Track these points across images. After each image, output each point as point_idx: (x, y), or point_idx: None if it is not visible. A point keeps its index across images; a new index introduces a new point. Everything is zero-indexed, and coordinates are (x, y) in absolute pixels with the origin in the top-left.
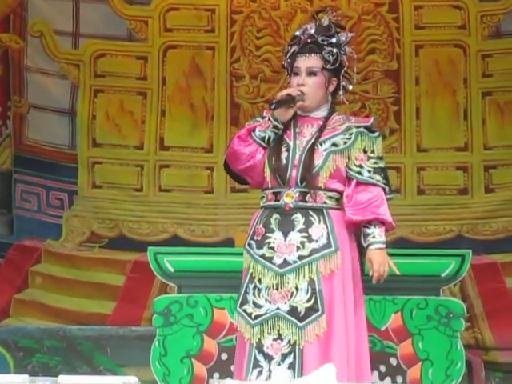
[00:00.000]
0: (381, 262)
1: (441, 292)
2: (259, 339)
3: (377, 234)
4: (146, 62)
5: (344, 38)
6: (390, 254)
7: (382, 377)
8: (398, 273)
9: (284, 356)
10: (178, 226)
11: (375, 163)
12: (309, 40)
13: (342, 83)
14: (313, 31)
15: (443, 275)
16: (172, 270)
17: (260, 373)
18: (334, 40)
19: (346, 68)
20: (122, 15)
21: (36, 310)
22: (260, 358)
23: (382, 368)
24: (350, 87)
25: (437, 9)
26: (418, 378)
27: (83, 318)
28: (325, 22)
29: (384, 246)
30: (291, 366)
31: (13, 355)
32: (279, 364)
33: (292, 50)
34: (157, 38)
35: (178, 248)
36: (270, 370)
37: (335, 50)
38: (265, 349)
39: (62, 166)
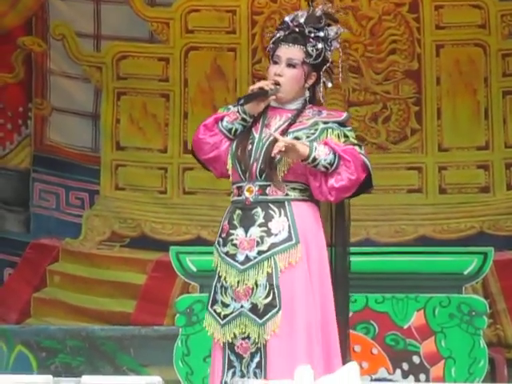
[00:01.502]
0: (288, 141)
1: (463, 289)
2: (231, 339)
3: (317, 144)
4: (168, 64)
5: (333, 33)
6: (413, 253)
7: (404, 375)
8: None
9: (252, 355)
10: (202, 227)
11: (346, 142)
12: (296, 29)
13: (322, 79)
14: (302, 20)
15: (465, 273)
16: (195, 269)
17: (234, 373)
18: (321, 34)
19: (328, 64)
20: (143, 17)
21: (57, 309)
22: (232, 358)
23: (405, 366)
24: (330, 85)
25: (457, 8)
26: (441, 376)
27: (105, 316)
28: (317, 11)
29: (309, 150)
30: (258, 366)
31: (36, 355)
32: (249, 363)
33: (277, 36)
34: (178, 39)
35: (201, 247)
36: (241, 371)
37: (320, 45)
38: (236, 348)
39: (83, 166)
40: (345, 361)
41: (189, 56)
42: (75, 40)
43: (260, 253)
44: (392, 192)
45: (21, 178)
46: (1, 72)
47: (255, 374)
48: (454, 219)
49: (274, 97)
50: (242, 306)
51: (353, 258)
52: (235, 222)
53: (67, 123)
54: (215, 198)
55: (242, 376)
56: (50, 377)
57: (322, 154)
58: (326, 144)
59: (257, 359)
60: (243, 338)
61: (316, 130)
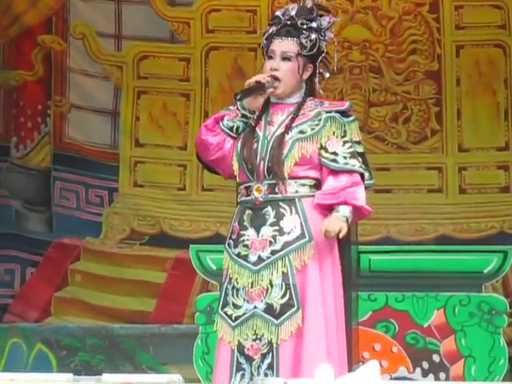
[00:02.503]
0: (328, 223)
1: (483, 288)
2: (239, 341)
3: (341, 209)
4: (189, 64)
5: (326, 23)
6: (433, 251)
7: (424, 373)
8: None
9: (263, 356)
10: (221, 224)
11: (350, 147)
12: (288, 22)
13: (319, 70)
14: (293, 13)
15: (485, 271)
16: (214, 268)
17: (243, 376)
18: (314, 24)
19: (324, 54)
20: (164, 17)
21: (77, 308)
22: (242, 360)
23: (425, 365)
24: (327, 75)
25: (477, 9)
26: (461, 375)
27: (125, 315)
28: (308, 3)
29: (343, 218)
30: (270, 367)
31: (55, 354)
32: (259, 365)
33: (270, 31)
34: (199, 39)
35: (220, 246)
36: (251, 373)
37: (314, 36)
38: (245, 350)
39: (101, 163)
40: (350, 360)
41: (209, 56)
42: (96, 40)
43: (273, 252)
44: (412, 191)
45: (42, 177)
46: (20, 69)
47: (266, 376)
48: (474, 219)
49: (271, 90)
50: (255, 307)
51: (373, 257)
52: (246, 223)
53: (86, 120)
54: (234, 195)
55: (252, 378)
56: (71, 375)
57: (347, 212)
58: (346, 203)
59: (268, 360)
60: (254, 340)
61: (320, 120)
